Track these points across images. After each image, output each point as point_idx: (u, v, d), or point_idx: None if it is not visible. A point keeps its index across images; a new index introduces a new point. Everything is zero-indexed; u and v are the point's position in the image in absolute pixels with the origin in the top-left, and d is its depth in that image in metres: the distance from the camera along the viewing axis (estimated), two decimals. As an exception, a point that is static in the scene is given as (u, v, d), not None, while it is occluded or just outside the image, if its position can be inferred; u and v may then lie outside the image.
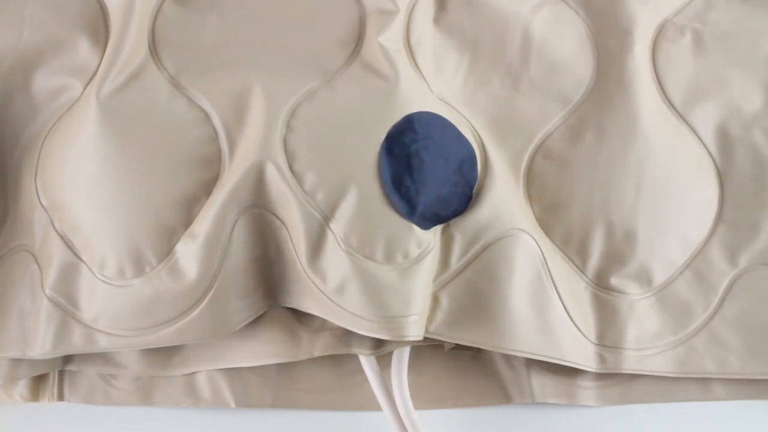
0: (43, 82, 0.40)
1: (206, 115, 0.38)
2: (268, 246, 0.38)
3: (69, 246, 0.38)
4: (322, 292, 0.37)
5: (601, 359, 0.39)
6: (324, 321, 0.39)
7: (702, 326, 0.40)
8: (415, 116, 0.37)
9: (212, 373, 0.41)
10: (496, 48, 0.41)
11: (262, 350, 0.39)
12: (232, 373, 0.41)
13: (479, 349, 0.41)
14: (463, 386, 0.41)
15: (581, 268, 0.40)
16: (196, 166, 0.37)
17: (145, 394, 0.41)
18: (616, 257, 0.39)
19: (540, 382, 0.40)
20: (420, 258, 0.37)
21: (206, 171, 0.38)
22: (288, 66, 0.39)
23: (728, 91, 0.41)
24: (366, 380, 0.40)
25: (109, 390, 0.41)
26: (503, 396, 0.41)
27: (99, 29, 0.40)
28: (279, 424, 0.41)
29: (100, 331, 0.37)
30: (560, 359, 0.38)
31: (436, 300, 0.38)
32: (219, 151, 0.38)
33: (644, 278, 0.40)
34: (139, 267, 0.37)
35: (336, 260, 0.36)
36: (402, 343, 0.38)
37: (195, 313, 0.37)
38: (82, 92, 0.39)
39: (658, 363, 0.39)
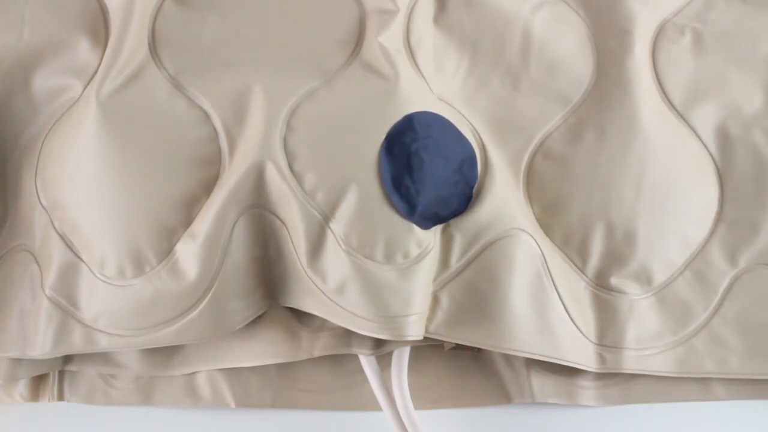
0: (43, 82, 0.40)
1: (206, 115, 0.38)
2: (268, 246, 0.38)
3: (69, 246, 0.38)
4: (322, 291, 0.37)
5: (601, 359, 0.39)
6: (324, 321, 0.39)
7: (702, 326, 0.40)
8: (415, 116, 0.37)
9: (212, 373, 0.41)
10: (496, 48, 0.41)
11: (262, 350, 0.39)
12: (232, 373, 0.41)
13: (479, 349, 0.41)
14: (463, 386, 0.41)
15: (581, 268, 0.40)
16: (196, 166, 0.37)
17: (145, 394, 0.41)
18: (616, 257, 0.39)
19: (540, 382, 0.40)
20: (420, 258, 0.37)
21: (206, 171, 0.38)
22: (288, 66, 0.39)
23: (728, 91, 0.41)
24: (366, 380, 0.40)
25: (109, 390, 0.41)
26: (503, 396, 0.41)
27: (99, 29, 0.40)
28: (279, 424, 0.41)
29: (100, 331, 0.37)
30: (560, 359, 0.38)
31: (436, 300, 0.38)
32: (219, 150, 0.38)
33: (644, 278, 0.40)
34: (139, 267, 0.37)
35: (336, 260, 0.36)
36: (402, 343, 0.38)
37: (195, 313, 0.37)
38: (82, 92, 0.39)
39: (658, 363, 0.39)
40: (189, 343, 0.38)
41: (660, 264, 0.40)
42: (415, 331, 0.36)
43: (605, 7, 0.42)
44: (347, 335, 0.39)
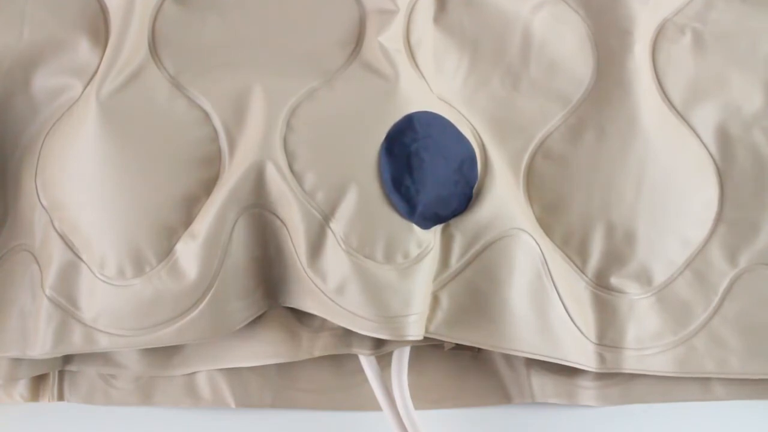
0: (43, 81, 0.40)
1: (206, 115, 0.38)
2: (268, 246, 0.38)
3: (69, 246, 0.38)
4: (322, 291, 0.37)
5: (601, 359, 0.39)
6: (324, 321, 0.39)
7: (702, 326, 0.40)
8: (415, 116, 0.37)
9: (212, 373, 0.41)
10: (496, 48, 0.41)
11: (262, 350, 0.39)
12: (232, 373, 0.41)
13: (479, 349, 0.41)
14: (463, 386, 0.41)
15: (581, 268, 0.40)
16: (196, 166, 0.37)
17: (145, 394, 0.41)
18: (616, 257, 0.39)
19: (540, 382, 0.40)
20: (420, 258, 0.37)
21: (206, 171, 0.38)
22: (288, 66, 0.39)
23: (728, 90, 0.41)
24: (366, 380, 0.40)
25: (109, 390, 0.41)
26: (503, 396, 0.41)
27: (99, 29, 0.40)
28: (279, 424, 0.41)
29: (100, 330, 0.37)
30: (560, 359, 0.38)
31: (436, 300, 0.38)
32: (219, 150, 0.38)
33: (644, 278, 0.40)
34: (139, 267, 0.37)
35: (336, 260, 0.36)
36: (402, 343, 0.38)
37: (195, 313, 0.37)
38: (82, 92, 0.39)
39: (658, 363, 0.39)
40: (189, 343, 0.38)
41: (660, 264, 0.40)
42: (415, 331, 0.36)
43: (605, 6, 0.42)
44: (347, 335, 0.39)
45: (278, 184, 0.36)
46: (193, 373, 0.41)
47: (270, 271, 0.38)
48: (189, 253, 0.37)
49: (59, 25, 0.40)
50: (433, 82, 0.40)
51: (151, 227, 0.37)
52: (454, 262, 0.38)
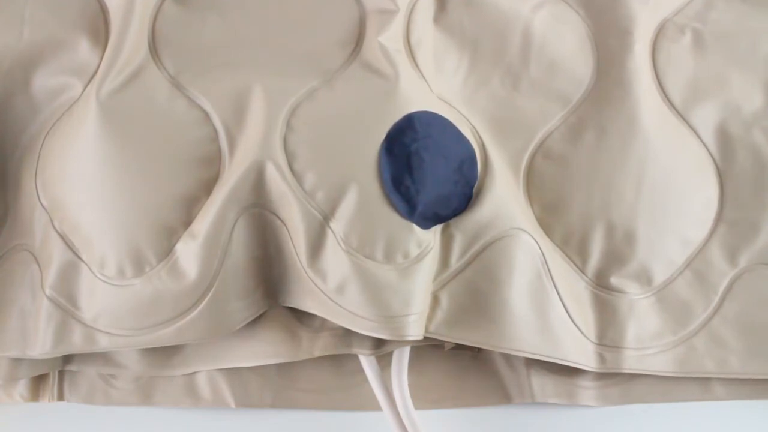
0: (43, 81, 0.40)
1: (206, 115, 0.38)
2: (268, 245, 0.38)
3: (69, 246, 0.38)
4: (322, 291, 0.37)
5: (601, 359, 0.39)
6: (324, 321, 0.39)
7: (702, 326, 0.40)
8: (415, 116, 0.37)
9: (212, 373, 0.41)
10: (496, 48, 0.41)
11: (262, 350, 0.39)
12: (232, 373, 0.41)
13: (479, 349, 0.41)
14: (463, 386, 0.41)
15: (581, 268, 0.40)
16: (196, 166, 0.37)
17: (145, 394, 0.41)
18: (616, 257, 0.39)
19: (540, 382, 0.40)
20: (420, 257, 0.37)
21: (206, 170, 0.38)
22: (288, 66, 0.39)
23: (728, 90, 0.41)
24: (366, 380, 0.40)
25: (109, 390, 0.41)
26: (503, 396, 0.41)
27: (99, 29, 0.40)
28: (279, 424, 0.41)
29: (100, 330, 0.37)
30: (560, 359, 0.38)
31: (436, 299, 0.38)
32: (219, 150, 0.38)
33: (644, 278, 0.40)
34: (139, 267, 0.37)
35: (336, 260, 0.36)
36: (402, 343, 0.38)
37: (195, 312, 0.37)
38: (82, 92, 0.39)
39: (658, 363, 0.39)
40: (189, 343, 0.38)
41: (660, 264, 0.40)
42: (415, 331, 0.36)
43: (605, 6, 0.42)
44: (347, 335, 0.39)
45: (278, 184, 0.36)
46: (193, 373, 0.41)
47: (270, 271, 0.38)
48: (189, 253, 0.37)
49: (59, 25, 0.40)
50: (433, 81, 0.40)
51: (151, 227, 0.37)
52: (454, 262, 0.38)
